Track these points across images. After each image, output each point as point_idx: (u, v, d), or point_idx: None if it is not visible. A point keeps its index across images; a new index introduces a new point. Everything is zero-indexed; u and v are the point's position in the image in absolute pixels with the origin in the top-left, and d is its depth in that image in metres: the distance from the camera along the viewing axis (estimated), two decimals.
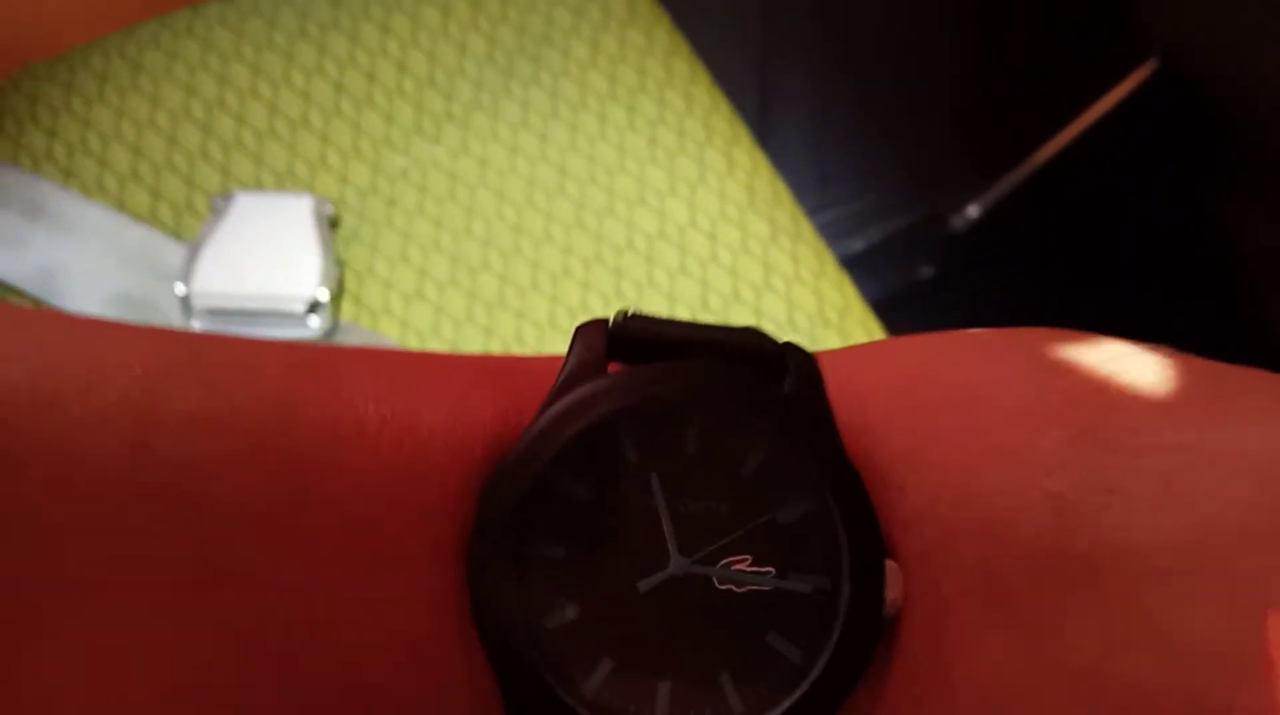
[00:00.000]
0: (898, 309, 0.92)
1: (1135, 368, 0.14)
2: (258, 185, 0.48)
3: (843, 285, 0.49)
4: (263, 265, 0.45)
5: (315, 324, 0.45)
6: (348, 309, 0.47)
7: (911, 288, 0.93)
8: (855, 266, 0.94)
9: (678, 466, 0.15)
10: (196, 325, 0.45)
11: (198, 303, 0.44)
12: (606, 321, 0.16)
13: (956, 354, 0.16)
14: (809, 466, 0.15)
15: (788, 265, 0.48)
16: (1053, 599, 0.13)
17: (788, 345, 0.16)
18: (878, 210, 0.94)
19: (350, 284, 0.48)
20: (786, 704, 0.14)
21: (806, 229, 0.50)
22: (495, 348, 0.46)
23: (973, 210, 0.91)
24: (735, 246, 0.48)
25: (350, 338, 0.46)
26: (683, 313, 0.46)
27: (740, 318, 0.46)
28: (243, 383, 0.14)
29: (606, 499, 0.15)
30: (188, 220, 0.47)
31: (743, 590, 0.15)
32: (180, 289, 0.45)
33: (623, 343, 0.16)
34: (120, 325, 0.15)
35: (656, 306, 0.47)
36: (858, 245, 0.95)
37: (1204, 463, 0.13)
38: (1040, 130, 0.87)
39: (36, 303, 0.46)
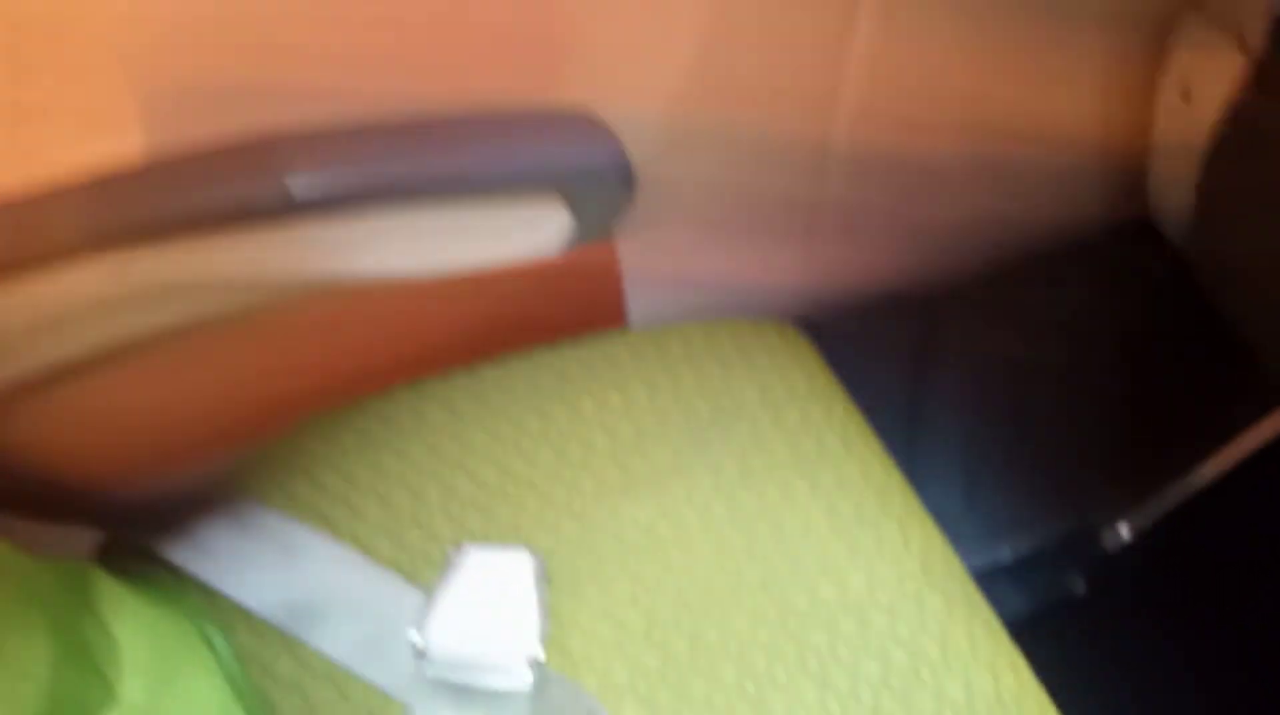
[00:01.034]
0: (1048, 624, 0.91)
1: None
2: (485, 538, 0.55)
3: (1017, 666, 0.51)
4: (488, 619, 0.51)
5: (528, 678, 0.50)
6: (553, 657, 0.52)
7: (1063, 603, 0.93)
8: (1003, 577, 0.96)
9: None
10: (428, 672, 0.51)
11: (430, 651, 0.50)
12: None
13: None
14: None
15: (964, 644, 0.51)
16: None
17: None
18: (1027, 520, 0.95)
19: (556, 632, 0.53)
20: None
21: (981, 606, 0.53)
22: (686, 713, 0.50)
23: (1124, 530, 0.92)
24: (913, 621, 0.52)
25: (555, 693, 0.51)
26: (865, 692, 0.50)
27: (921, 702, 0.49)
28: None
29: None
30: (424, 569, 0.54)
31: None
32: (415, 637, 0.51)
33: None
34: None
35: (839, 683, 0.50)
36: (1005, 555, 0.96)
37: None
38: (1191, 456, 0.89)
39: (283, 637, 0.53)
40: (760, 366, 0.61)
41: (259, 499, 0.57)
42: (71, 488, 0.56)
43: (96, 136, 0.44)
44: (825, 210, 0.66)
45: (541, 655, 0.50)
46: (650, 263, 0.62)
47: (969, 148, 0.67)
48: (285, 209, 0.43)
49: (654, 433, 0.58)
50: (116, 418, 0.57)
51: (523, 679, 0.50)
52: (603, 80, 0.49)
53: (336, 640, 0.53)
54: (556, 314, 0.63)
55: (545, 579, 0.53)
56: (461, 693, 0.51)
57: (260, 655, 0.53)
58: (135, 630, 0.50)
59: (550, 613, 0.53)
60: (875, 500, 0.56)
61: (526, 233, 0.49)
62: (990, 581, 0.95)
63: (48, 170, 0.43)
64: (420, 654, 0.51)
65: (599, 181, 0.48)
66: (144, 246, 0.43)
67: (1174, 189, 0.72)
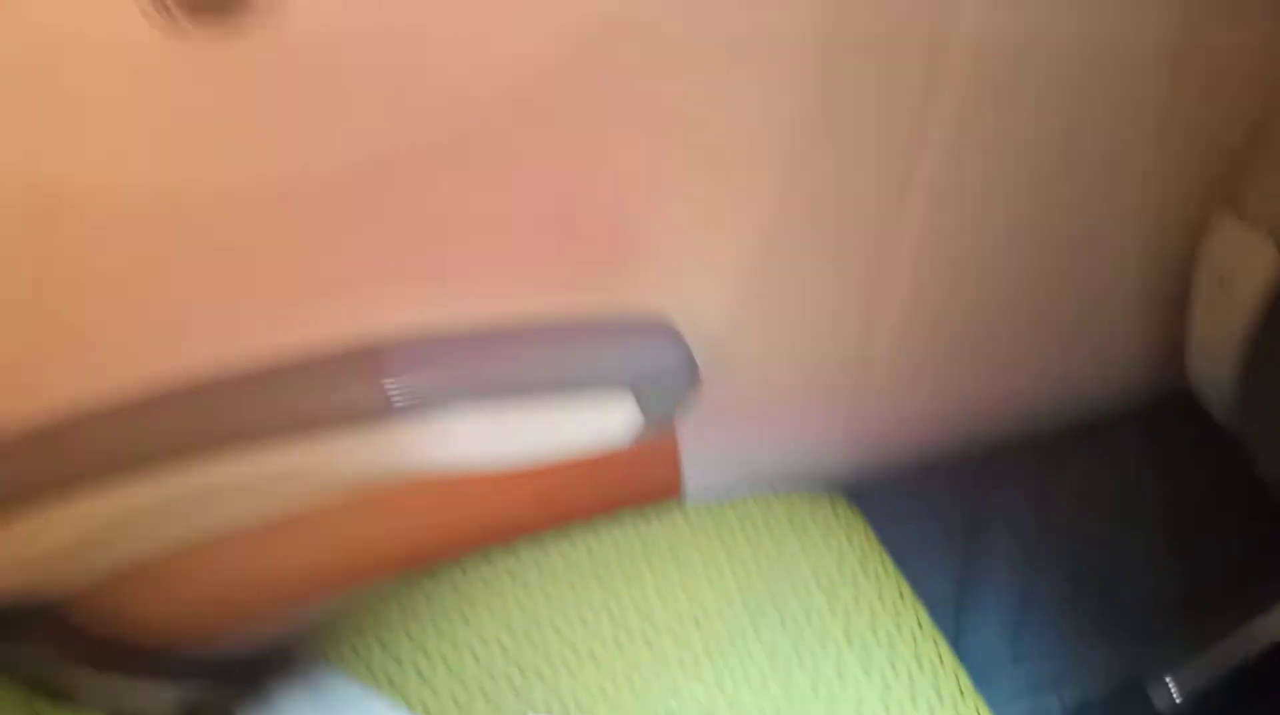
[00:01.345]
0: None
1: None
2: (548, 708, 0.57)
3: None
4: None
5: None
6: None
7: None
8: None
9: None
10: None
11: None
12: None
13: None
14: None
15: None
16: None
17: None
18: (1075, 673, 0.95)
19: None
20: None
21: None
22: None
23: (1174, 689, 0.91)
24: None
25: None
26: None
27: None
28: None
29: None
30: None
31: None
32: None
33: None
34: None
35: None
36: (1053, 706, 0.95)
37: None
38: (1242, 617, 0.88)
39: None
40: (814, 542, 0.63)
41: (334, 663, 0.59)
42: (155, 649, 0.59)
43: (198, 344, 0.48)
44: (873, 385, 0.69)
45: None
46: (706, 438, 0.66)
47: (1012, 326, 0.70)
48: (384, 412, 0.47)
49: (711, 607, 0.61)
50: (198, 582, 0.60)
51: None
52: (672, 286, 0.53)
53: None
54: (618, 487, 0.66)
55: None
56: None
57: None
58: None
59: None
60: (928, 682, 0.57)
61: (599, 428, 0.52)
62: None
63: (153, 378, 0.48)
64: None
65: (668, 381, 0.52)
66: (248, 448, 0.47)
67: (1214, 368, 0.74)
